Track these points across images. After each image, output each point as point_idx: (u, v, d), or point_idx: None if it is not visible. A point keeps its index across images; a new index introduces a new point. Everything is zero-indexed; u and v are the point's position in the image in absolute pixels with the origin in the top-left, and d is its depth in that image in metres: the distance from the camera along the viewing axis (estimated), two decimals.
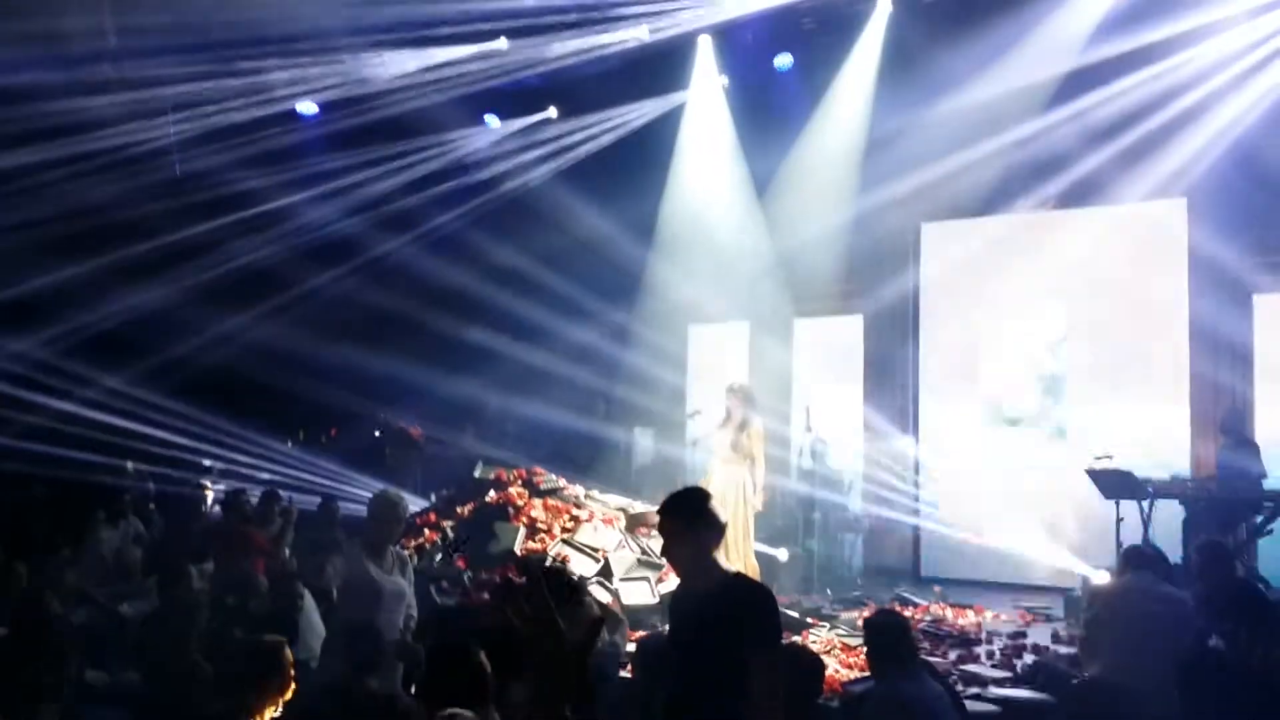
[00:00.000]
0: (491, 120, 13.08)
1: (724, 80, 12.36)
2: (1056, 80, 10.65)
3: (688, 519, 4.06)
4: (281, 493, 9.76)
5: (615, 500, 9.83)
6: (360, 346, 12.73)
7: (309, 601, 6.91)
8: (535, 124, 13.04)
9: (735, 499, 9.92)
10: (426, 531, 9.20)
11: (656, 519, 4.29)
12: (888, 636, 5.02)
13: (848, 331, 12.88)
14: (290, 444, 12.76)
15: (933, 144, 11.12)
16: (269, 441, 12.50)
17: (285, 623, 6.34)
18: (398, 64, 11.15)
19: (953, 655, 8.24)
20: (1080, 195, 11.26)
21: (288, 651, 4.59)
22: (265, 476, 11.58)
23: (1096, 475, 9.56)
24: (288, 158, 12.31)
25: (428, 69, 11.29)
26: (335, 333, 12.72)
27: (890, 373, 12.61)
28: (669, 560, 4.29)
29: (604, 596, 8.26)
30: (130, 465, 10.71)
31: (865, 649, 5.25)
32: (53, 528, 9.74)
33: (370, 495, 6.80)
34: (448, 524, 9.28)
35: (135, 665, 6.19)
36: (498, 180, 13.46)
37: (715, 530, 4.07)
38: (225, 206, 11.98)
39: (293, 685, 4.50)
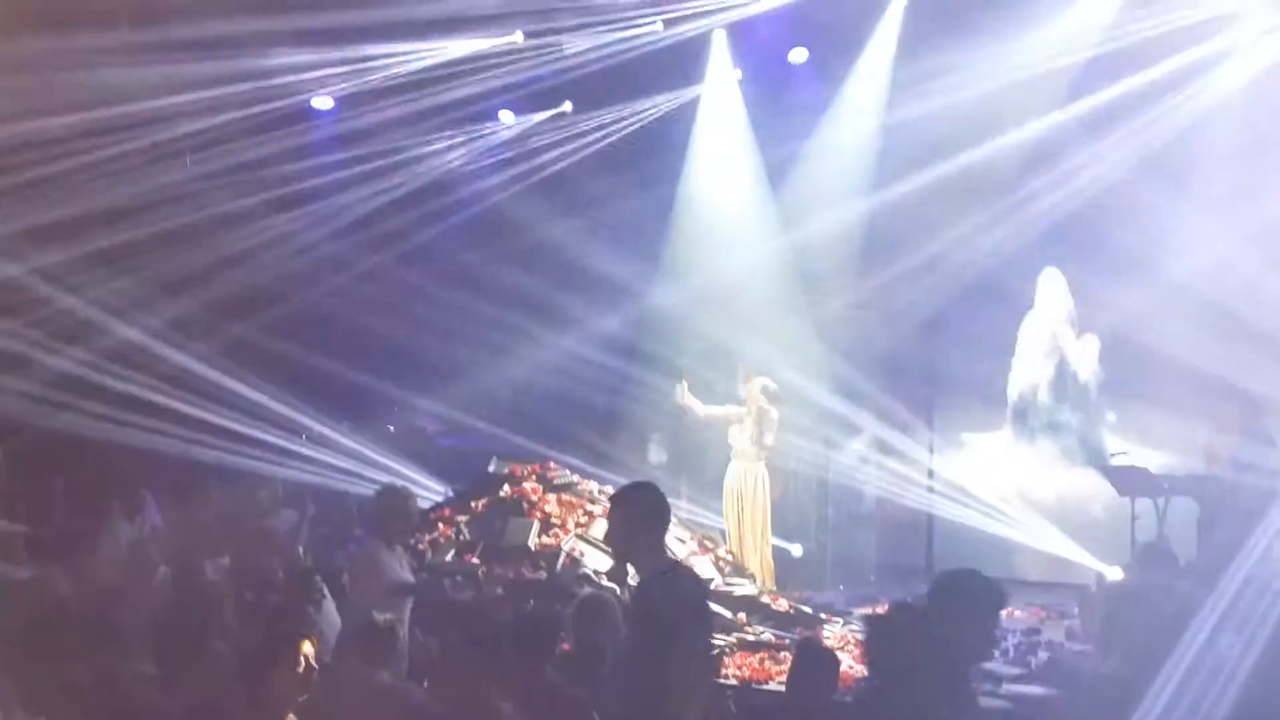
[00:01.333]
0: (506, 115, 13.05)
1: (738, 74, 12.32)
2: (1076, 68, 10.58)
3: (633, 512, 4.29)
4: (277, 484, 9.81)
5: None
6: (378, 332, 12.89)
7: (327, 598, 6.93)
8: (551, 118, 13.00)
9: (752, 494, 9.96)
10: (440, 526, 9.21)
11: None
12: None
13: (864, 325, 12.84)
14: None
15: (950, 135, 11.10)
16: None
17: (303, 617, 6.35)
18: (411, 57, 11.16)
19: None
20: (1092, 183, 11.20)
21: (306, 646, 4.60)
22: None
23: (1112, 471, 9.54)
24: (305, 154, 12.40)
25: (444, 63, 11.29)
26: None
27: (906, 368, 12.55)
28: (611, 549, 4.47)
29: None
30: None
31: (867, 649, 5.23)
32: (70, 517, 9.80)
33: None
34: (461, 519, 9.29)
35: (151, 657, 6.20)
36: (514, 172, 13.47)
37: (660, 524, 4.32)
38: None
39: (312, 679, 4.51)
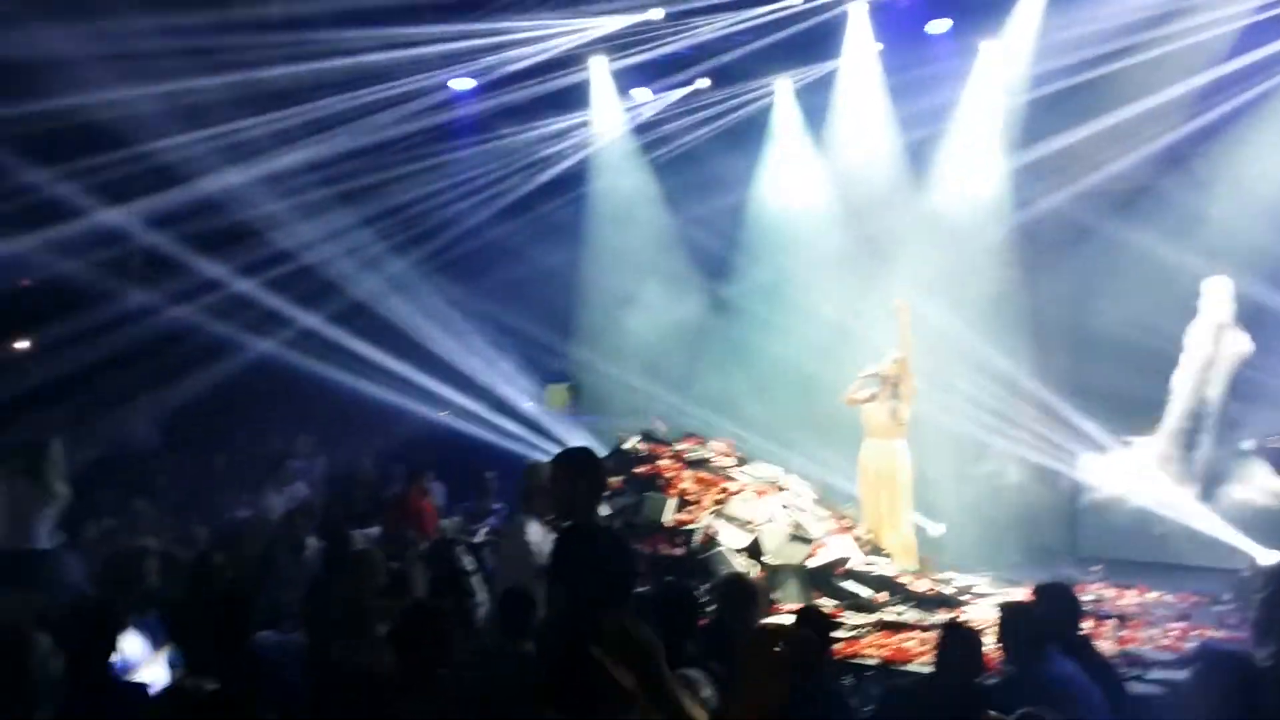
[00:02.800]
0: (643, 92, 13.06)
1: (878, 47, 12.12)
2: (1235, 33, 10.15)
3: (575, 473, 4.80)
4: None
5: (767, 471, 9.80)
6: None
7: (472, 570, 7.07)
8: (689, 94, 12.97)
9: (890, 471, 9.82)
10: None
11: None
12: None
13: (1013, 308, 12.52)
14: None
15: (1097, 107, 10.77)
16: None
17: (447, 588, 6.49)
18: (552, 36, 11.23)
19: (1114, 636, 8.05)
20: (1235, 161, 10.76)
21: (445, 616, 4.71)
22: None
23: (1273, 454, 9.23)
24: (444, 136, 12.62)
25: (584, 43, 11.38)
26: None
27: (1053, 349, 12.20)
28: (554, 504, 5.19)
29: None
30: None
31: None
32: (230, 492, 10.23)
33: None
34: None
35: (303, 626, 6.40)
36: (650, 148, 13.51)
37: (596, 487, 4.91)
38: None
39: (452, 649, 4.61)
